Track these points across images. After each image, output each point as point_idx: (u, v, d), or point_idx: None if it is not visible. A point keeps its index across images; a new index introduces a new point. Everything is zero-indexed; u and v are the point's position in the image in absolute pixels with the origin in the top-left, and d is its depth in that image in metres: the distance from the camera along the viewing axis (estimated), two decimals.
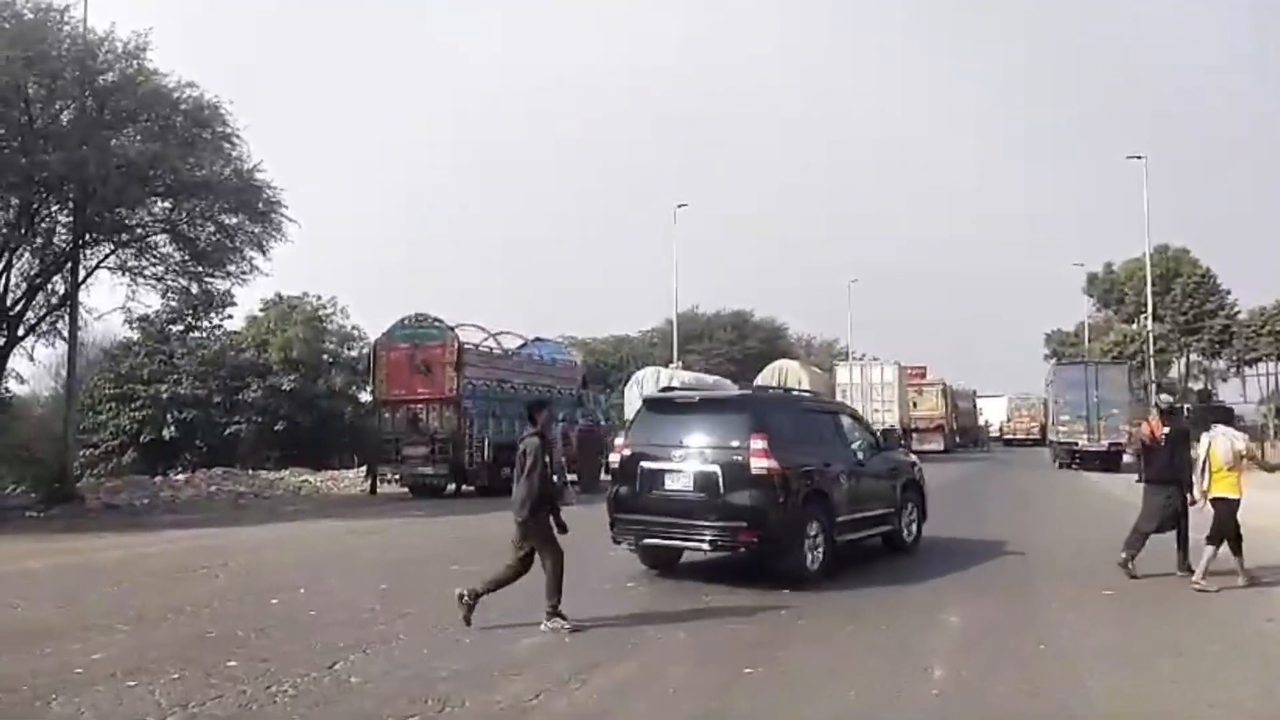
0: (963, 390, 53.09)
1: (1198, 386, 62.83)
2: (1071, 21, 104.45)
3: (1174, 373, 61.33)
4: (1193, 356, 61.44)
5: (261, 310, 38.36)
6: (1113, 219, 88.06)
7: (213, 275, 21.65)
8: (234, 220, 20.74)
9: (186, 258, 21.27)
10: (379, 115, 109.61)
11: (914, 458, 13.28)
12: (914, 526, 11.66)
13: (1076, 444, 30.35)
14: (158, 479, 25.03)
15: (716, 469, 9.20)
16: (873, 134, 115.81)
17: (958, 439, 49.14)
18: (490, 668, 6.00)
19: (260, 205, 20.45)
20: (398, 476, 21.82)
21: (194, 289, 22.44)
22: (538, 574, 7.24)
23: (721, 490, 9.12)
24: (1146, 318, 51.65)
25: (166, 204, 20.50)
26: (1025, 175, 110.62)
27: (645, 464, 9.74)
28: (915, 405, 44.30)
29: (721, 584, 9.18)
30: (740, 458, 9.11)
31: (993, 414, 61.77)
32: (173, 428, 33.97)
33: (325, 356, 37.60)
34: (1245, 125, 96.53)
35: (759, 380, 42.05)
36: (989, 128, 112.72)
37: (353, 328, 38.92)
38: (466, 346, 21.56)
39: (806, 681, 5.83)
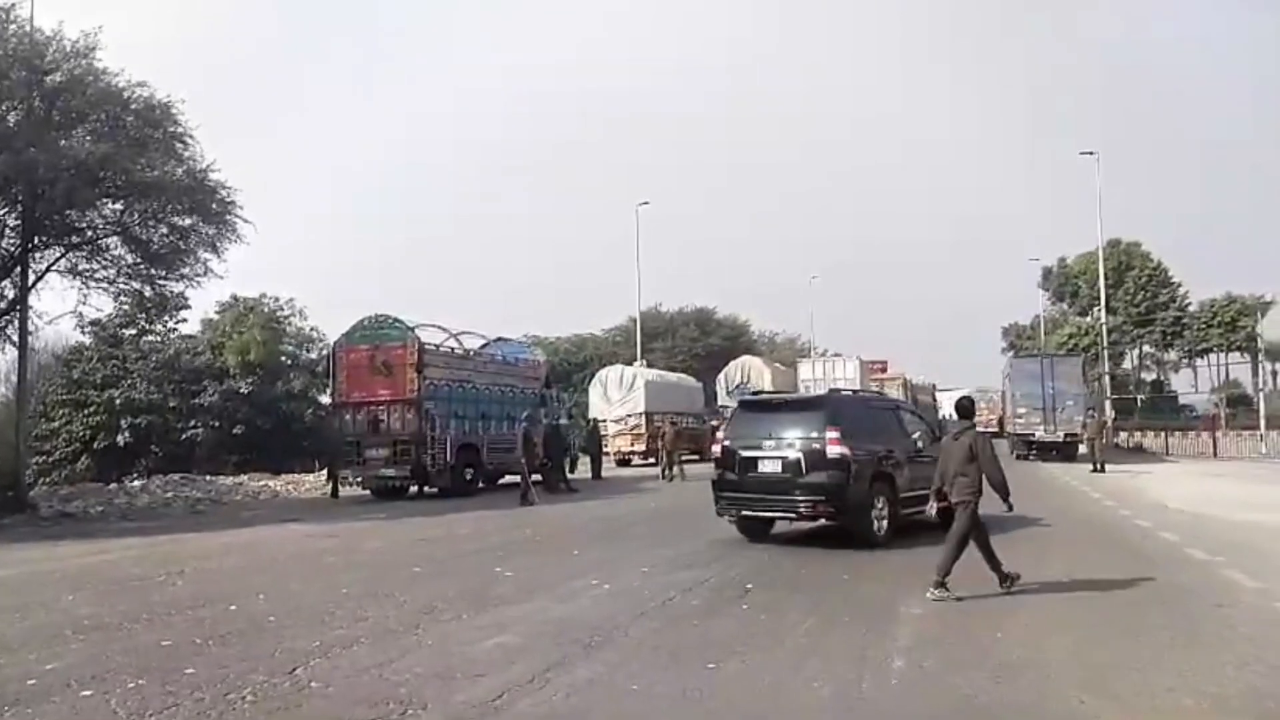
0: (923, 384, 53.67)
1: (1150, 378, 64.24)
2: (1026, 19, 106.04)
3: (1127, 364, 62.63)
4: (1145, 348, 62.72)
5: (217, 313, 37.89)
6: (1068, 214, 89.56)
7: (166, 278, 21.30)
8: (187, 221, 20.39)
9: (139, 260, 20.88)
10: (336, 117, 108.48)
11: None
12: None
13: (1033, 435, 30.83)
14: (113, 486, 24.56)
15: (800, 455, 11.40)
16: (835, 134, 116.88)
17: None
18: (453, 670, 5.96)
19: (214, 206, 20.13)
20: (359, 479, 21.63)
21: (147, 292, 22.08)
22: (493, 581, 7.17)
23: (804, 471, 11.34)
24: (1100, 310, 52.61)
25: (117, 205, 20.13)
26: (983, 172, 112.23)
27: (742, 452, 11.98)
28: None
29: (686, 582, 9.20)
30: (818, 445, 11.35)
31: (953, 407, 62.50)
32: (127, 433, 33.42)
33: (284, 359, 37.22)
34: (1196, 119, 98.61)
35: (722, 377, 42.43)
36: (949, 127, 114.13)
37: (311, 329, 38.60)
38: (428, 347, 21.44)
39: (770, 676, 5.86)
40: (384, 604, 8.25)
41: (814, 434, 11.48)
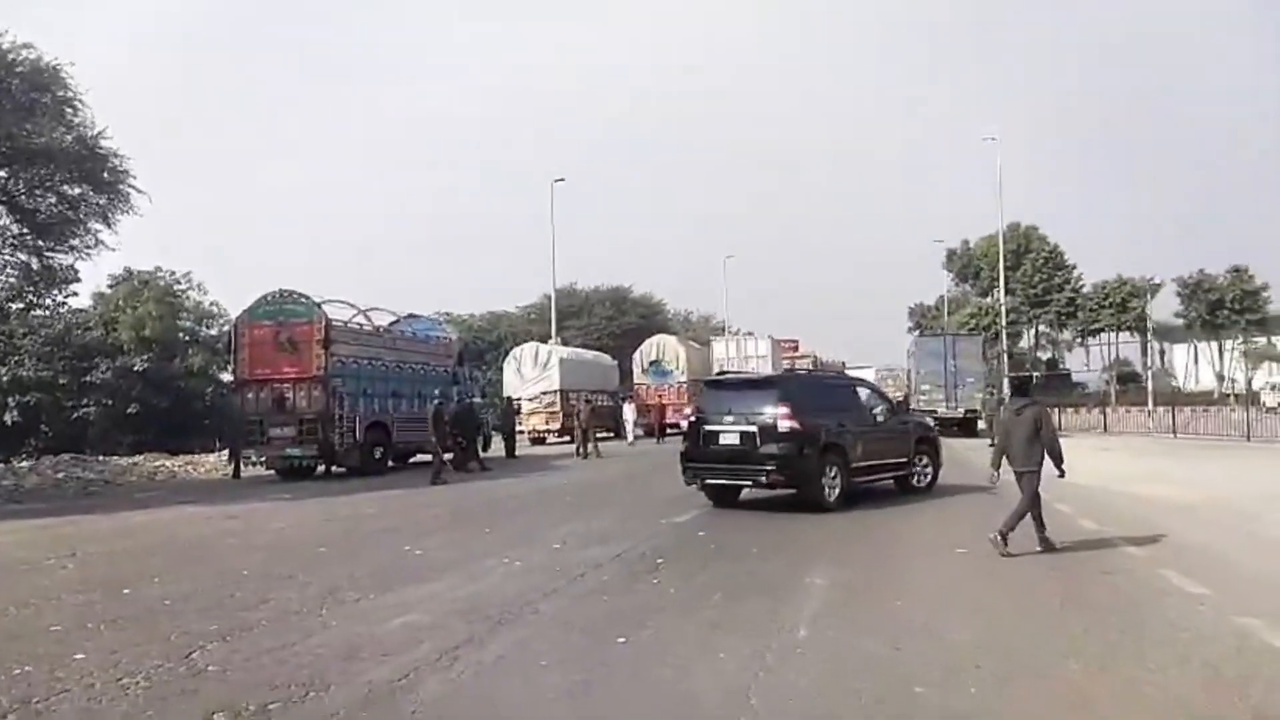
0: (832, 363, 54.77)
1: (1046, 356, 66.86)
2: (933, 2, 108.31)
3: (1024, 343, 65.04)
4: (1041, 328, 65.25)
5: (110, 286, 36.18)
6: (973, 198, 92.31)
7: (54, 249, 20.31)
8: (77, 191, 19.49)
9: (25, 230, 19.88)
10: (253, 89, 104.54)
11: (929, 420, 17.24)
12: (928, 474, 14.49)
13: (936, 411, 31.76)
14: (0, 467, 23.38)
15: (755, 429, 12.53)
16: (749, 110, 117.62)
17: None
18: (358, 650, 5.85)
19: (105, 175, 19.25)
20: (263, 459, 21.00)
21: (34, 264, 20.98)
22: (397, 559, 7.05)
23: (758, 444, 12.48)
24: (999, 292, 54.43)
25: (1, 173, 19.06)
26: (893, 154, 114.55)
27: (706, 426, 13.22)
28: None
29: (598, 558, 9.22)
30: (771, 420, 12.44)
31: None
32: (15, 412, 31.81)
33: (182, 335, 35.82)
34: (1094, 106, 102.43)
35: (637, 355, 42.56)
36: (860, 109, 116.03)
37: (211, 304, 37.23)
38: (335, 323, 20.90)
39: (677, 648, 5.91)
40: (286, 586, 8.04)
41: (768, 409, 12.57)
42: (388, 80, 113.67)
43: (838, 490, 12.64)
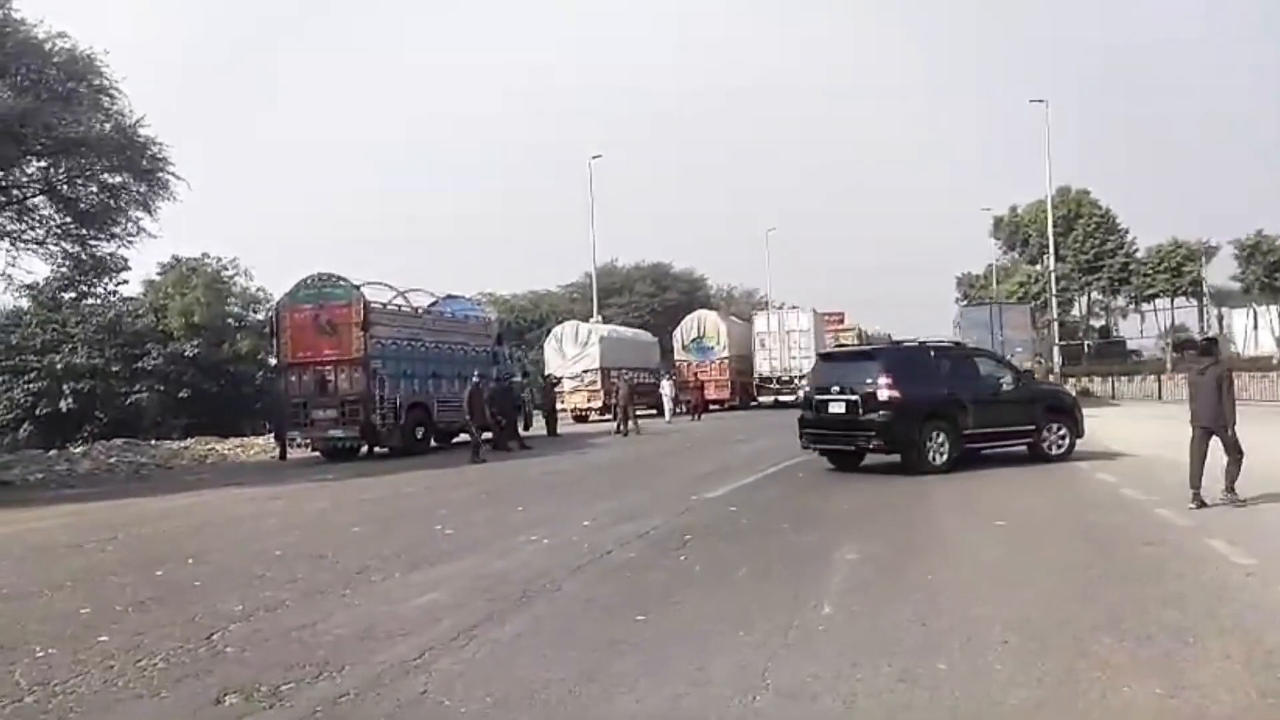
0: (878, 334, 54.05)
1: (1099, 324, 65.35)
2: None
3: (1076, 311, 63.60)
4: (1094, 295, 63.70)
5: (159, 274, 36.90)
6: (1020, 163, 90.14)
7: (97, 238, 20.65)
8: (117, 179, 19.76)
9: (68, 220, 20.23)
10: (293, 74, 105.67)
11: (1064, 388, 18.37)
12: (1063, 442, 14.58)
13: None
14: (53, 453, 23.99)
15: (859, 398, 13.52)
16: (789, 90, 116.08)
17: None
18: (376, 630, 5.83)
19: (144, 163, 19.49)
20: (308, 441, 21.30)
21: (78, 253, 21.36)
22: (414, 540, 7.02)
23: (861, 412, 13.48)
24: (1049, 258, 53.19)
25: (43, 163, 19.42)
26: (937, 123, 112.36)
27: (817, 396, 14.52)
28: None
29: (626, 535, 9.15)
30: (872, 390, 13.38)
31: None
32: (70, 399, 32.61)
33: (229, 320, 36.42)
34: (1144, 67, 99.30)
35: (677, 332, 42.40)
36: (903, 76, 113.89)
37: (258, 289, 37.83)
38: (374, 305, 21.04)
39: (698, 626, 5.81)
40: (316, 565, 8.09)
41: (870, 380, 13.53)
42: (432, 59, 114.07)
43: (945, 456, 13.34)
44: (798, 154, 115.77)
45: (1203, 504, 9.36)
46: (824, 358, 16.87)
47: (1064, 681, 4.56)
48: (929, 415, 13.48)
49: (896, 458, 13.70)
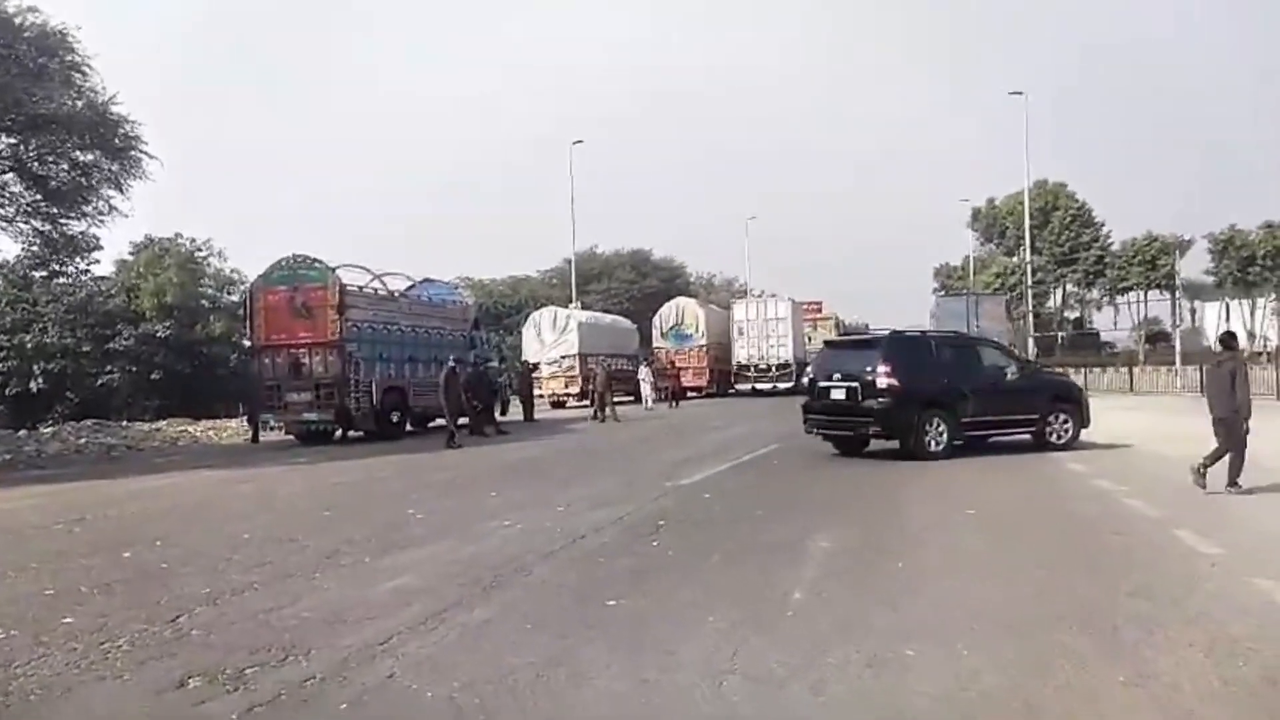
0: (856, 325, 54.26)
1: (1073, 316, 65.93)
2: None
3: (1051, 303, 64.12)
4: (1069, 287, 64.22)
5: (131, 254, 36.37)
6: (999, 155, 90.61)
7: (69, 216, 20.32)
8: (89, 157, 19.42)
9: (39, 198, 19.88)
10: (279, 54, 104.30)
11: (1069, 378, 18.75)
12: (1067, 430, 14.68)
13: None
14: (23, 433, 23.67)
15: (858, 385, 13.84)
16: (769, 78, 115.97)
17: None
18: (344, 613, 5.78)
19: (117, 141, 19.16)
20: (281, 424, 21.11)
21: (49, 231, 21.01)
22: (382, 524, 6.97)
23: (860, 399, 13.83)
24: (1025, 250, 53.55)
25: (13, 140, 19.05)
26: (917, 114, 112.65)
27: (820, 382, 14.85)
28: (810, 339, 45.20)
29: (599, 521, 9.13)
30: (871, 377, 13.67)
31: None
32: (40, 379, 32.18)
33: (203, 301, 35.99)
34: (1122, 62, 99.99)
35: (656, 319, 42.36)
36: (885, 67, 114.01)
37: (232, 271, 37.37)
38: (349, 288, 20.83)
39: (669, 611, 5.80)
40: (285, 549, 8.02)
41: (870, 368, 13.81)
42: (412, 39, 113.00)
43: (943, 443, 13.62)
44: (778, 144, 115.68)
45: (1202, 479, 9.62)
46: (828, 345, 17.35)
47: (1030, 668, 4.59)
48: (928, 403, 13.74)
49: (896, 444, 13.92)
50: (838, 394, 14.29)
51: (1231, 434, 9.74)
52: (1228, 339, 10.86)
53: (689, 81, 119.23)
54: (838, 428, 14.56)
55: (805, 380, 15.43)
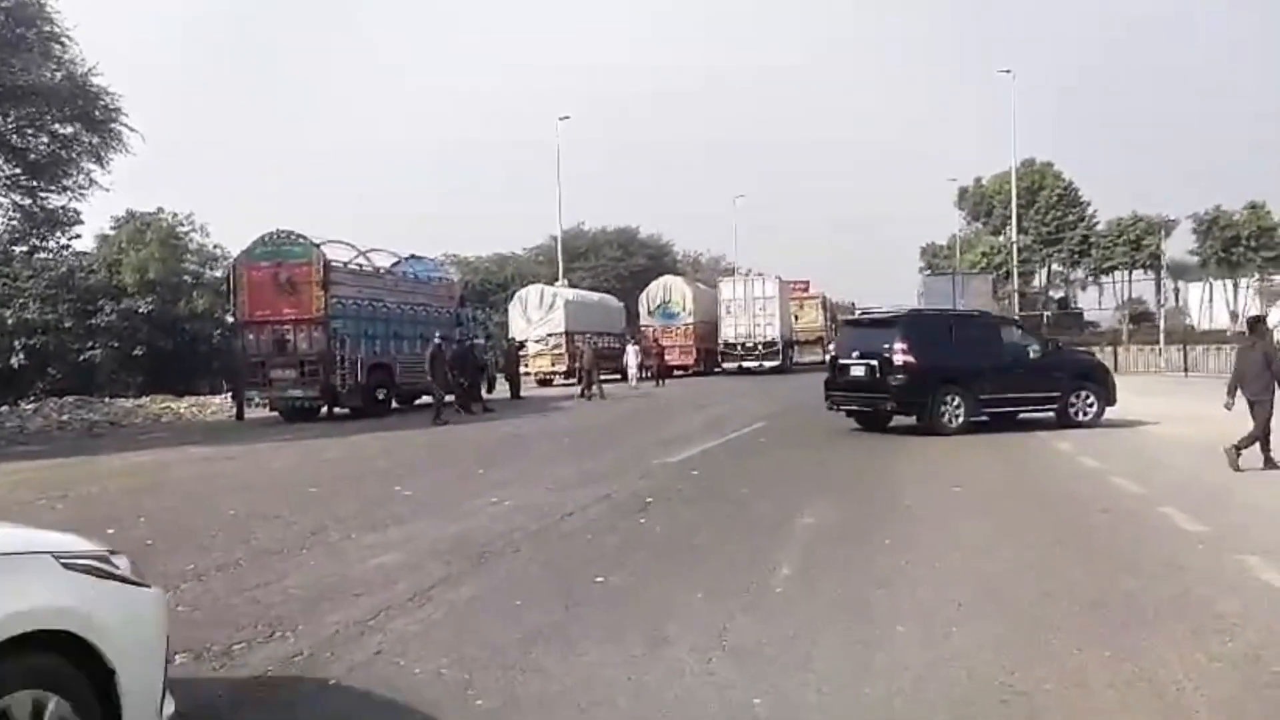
0: (842, 304, 54.32)
1: (1059, 295, 66.19)
2: None
3: (1036, 282, 64.34)
4: (1054, 266, 64.41)
5: (113, 228, 35.92)
6: (987, 134, 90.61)
7: (49, 189, 20.03)
8: (69, 130, 19.12)
9: (18, 171, 19.58)
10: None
11: (1093, 357, 19.02)
12: (1090, 408, 14.74)
13: None
14: (4, 409, 23.45)
15: (876, 362, 14.20)
16: (756, 57, 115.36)
17: None
18: (332, 590, 5.76)
19: (97, 114, 18.86)
20: (265, 400, 21.00)
21: (28, 204, 20.73)
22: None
23: (878, 376, 14.20)
24: (1011, 230, 53.64)
25: None
26: (906, 92, 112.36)
27: (840, 360, 15.29)
28: (797, 318, 45.22)
29: (586, 499, 9.12)
30: (888, 355, 14.03)
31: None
32: (21, 355, 31.81)
33: (186, 277, 35.62)
34: (1111, 42, 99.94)
35: (643, 296, 42.26)
36: (874, 46, 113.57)
37: (215, 246, 36.95)
38: (334, 264, 20.63)
39: (657, 588, 5.80)
40: (271, 526, 7.98)
41: (888, 345, 14.14)
42: (400, 25, 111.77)
43: (960, 419, 13.99)
44: (766, 124, 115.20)
45: (1237, 461, 9.81)
46: (849, 324, 17.85)
47: (1016, 644, 4.61)
48: (945, 380, 14.07)
49: (914, 420, 14.32)
50: (858, 371, 14.62)
51: (1262, 413, 9.93)
52: (1255, 322, 11.04)
53: (679, 66, 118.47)
54: (858, 404, 14.98)
55: (826, 358, 15.74)
